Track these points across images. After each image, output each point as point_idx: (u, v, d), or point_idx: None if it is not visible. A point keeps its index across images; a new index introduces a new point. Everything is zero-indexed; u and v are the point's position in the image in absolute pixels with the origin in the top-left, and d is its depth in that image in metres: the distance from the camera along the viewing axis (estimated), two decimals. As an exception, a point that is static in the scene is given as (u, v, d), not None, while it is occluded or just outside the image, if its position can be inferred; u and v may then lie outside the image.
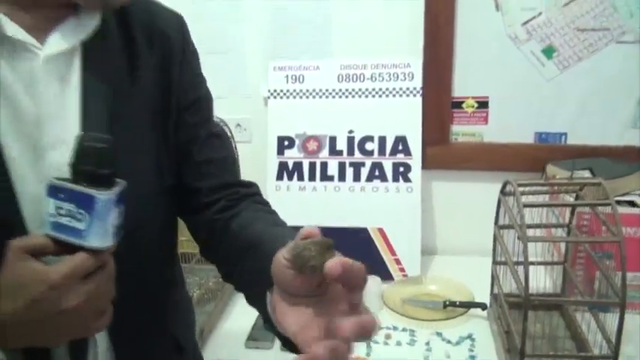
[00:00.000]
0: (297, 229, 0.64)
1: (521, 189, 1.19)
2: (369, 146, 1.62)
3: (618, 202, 1.38)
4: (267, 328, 0.68)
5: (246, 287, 0.76)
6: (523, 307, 1.08)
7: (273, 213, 0.86)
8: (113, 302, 0.67)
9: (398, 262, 1.57)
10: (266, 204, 0.89)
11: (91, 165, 0.62)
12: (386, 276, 1.54)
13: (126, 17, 0.77)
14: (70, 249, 0.61)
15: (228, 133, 1.62)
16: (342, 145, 1.63)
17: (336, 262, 0.53)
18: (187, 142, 0.84)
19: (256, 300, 0.69)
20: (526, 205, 1.13)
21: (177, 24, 0.85)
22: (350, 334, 0.54)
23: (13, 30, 0.67)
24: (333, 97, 1.65)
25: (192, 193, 0.85)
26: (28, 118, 0.68)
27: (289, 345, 0.63)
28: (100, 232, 0.62)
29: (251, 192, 0.88)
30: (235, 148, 1.65)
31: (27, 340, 0.64)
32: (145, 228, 0.76)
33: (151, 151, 0.79)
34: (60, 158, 0.66)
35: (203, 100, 0.87)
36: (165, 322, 0.87)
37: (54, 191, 0.62)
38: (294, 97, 1.65)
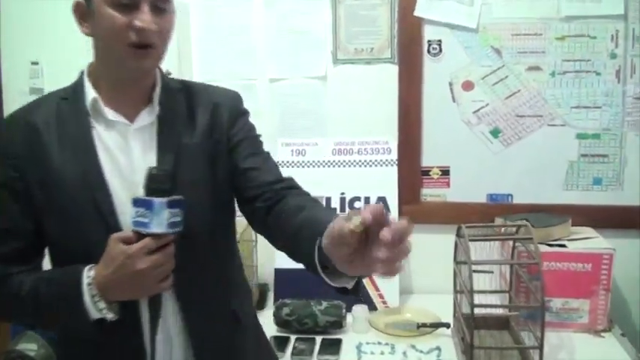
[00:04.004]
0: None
1: (472, 231, 1.58)
2: (357, 205, 1.99)
3: (551, 245, 1.75)
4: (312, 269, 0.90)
5: (301, 257, 0.97)
6: (479, 325, 1.43)
7: (311, 201, 1.10)
8: (181, 275, 1.04)
9: (381, 296, 1.91)
10: (304, 194, 1.13)
11: (151, 184, 0.98)
12: (371, 306, 1.87)
13: (190, 97, 1.16)
14: (143, 237, 0.98)
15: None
16: (335, 203, 2.00)
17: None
18: (236, 162, 1.15)
19: (311, 265, 0.90)
20: (471, 240, 1.52)
21: (229, 98, 1.20)
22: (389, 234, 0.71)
23: (110, 114, 1.07)
24: (329, 166, 2.03)
25: (243, 190, 1.14)
26: (126, 169, 1.07)
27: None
28: (157, 223, 0.97)
29: (287, 185, 1.13)
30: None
31: (118, 293, 1.01)
32: (204, 227, 1.10)
33: (205, 179, 1.12)
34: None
35: (246, 141, 1.17)
36: (226, 298, 1.18)
37: (134, 202, 0.98)
38: (298, 167, 2.03)
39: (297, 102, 2.08)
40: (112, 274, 0.99)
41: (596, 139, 1.96)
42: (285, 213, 1.05)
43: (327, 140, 2.05)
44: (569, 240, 1.81)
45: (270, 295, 2.00)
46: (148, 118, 1.11)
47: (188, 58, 2.13)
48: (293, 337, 1.75)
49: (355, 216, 0.75)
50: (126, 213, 1.02)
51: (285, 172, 1.94)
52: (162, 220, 0.97)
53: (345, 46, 2.02)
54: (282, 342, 1.72)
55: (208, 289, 1.14)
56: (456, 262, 1.70)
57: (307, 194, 1.14)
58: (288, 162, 2.05)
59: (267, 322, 1.78)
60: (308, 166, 2.05)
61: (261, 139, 1.23)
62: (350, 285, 0.90)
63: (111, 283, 1.00)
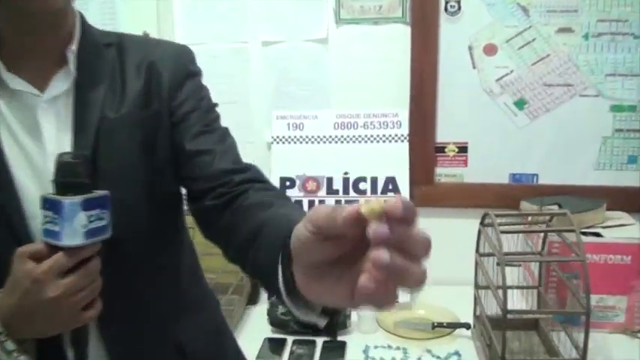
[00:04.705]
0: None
1: (498, 220, 1.36)
2: (362, 186, 1.78)
3: (584, 234, 1.53)
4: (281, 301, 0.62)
5: (258, 265, 0.69)
6: (502, 318, 1.23)
7: (278, 197, 0.82)
8: (106, 298, 0.78)
9: None
10: (271, 189, 0.86)
11: (62, 177, 0.73)
12: (379, 302, 1.66)
13: (122, 54, 0.88)
14: (56, 250, 0.73)
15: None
16: (338, 185, 1.79)
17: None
18: (181, 143, 0.88)
19: (269, 276, 0.62)
20: (503, 232, 1.30)
21: (172, 54, 0.91)
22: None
23: (13, 81, 0.80)
24: (330, 142, 1.81)
25: (190, 182, 0.88)
26: (36, 156, 0.81)
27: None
28: (70, 233, 0.71)
29: (249, 177, 0.86)
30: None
31: (28, 329, 0.75)
32: (139, 231, 0.85)
33: (139, 164, 0.86)
34: None
35: (195, 113, 0.90)
36: (165, 325, 0.92)
37: (42, 203, 0.73)
38: (295, 143, 1.81)
39: (294, 68, 1.84)
40: (18, 303, 0.73)
41: (633, 112, 1.75)
42: (243, 210, 0.79)
43: (328, 112, 1.83)
44: (603, 227, 1.60)
45: (264, 288, 1.79)
46: (62, 84, 0.83)
47: (169, 17, 1.88)
48: (290, 340, 1.53)
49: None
50: (38, 216, 0.76)
51: (280, 149, 1.81)
52: (76, 228, 0.72)
53: (350, 4, 1.78)
54: (277, 345, 1.50)
55: (143, 316, 0.89)
56: (479, 253, 1.48)
57: (275, 189, 0.88)
58: (283, 137, 1.82)
59: (260, 321, 1.59)
60: (306, 142, 1.82)
61: (217, 109, 0.95)
62: (321, 322, 0.61)
63: (18, 315, 0.74)
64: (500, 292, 1.24)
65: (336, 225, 0.46)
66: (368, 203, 0.45)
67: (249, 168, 0.89)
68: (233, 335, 1.11)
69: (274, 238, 0.63)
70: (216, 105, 0.94)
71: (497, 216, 1.34)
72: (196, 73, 0.94)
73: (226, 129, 0.93)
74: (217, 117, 0.93)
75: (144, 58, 0.88)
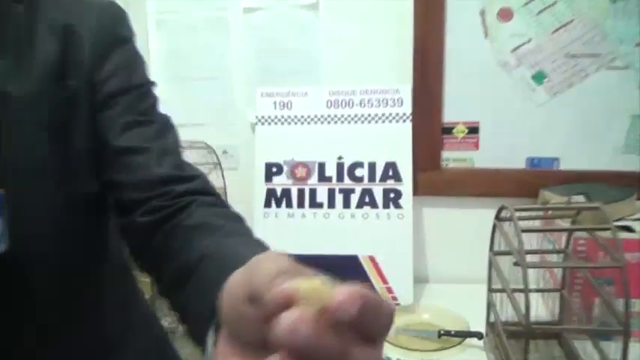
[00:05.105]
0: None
1: (517, 214, 1.16)
2: (358, 172, 1.59)
3: None
4: None
5: (188, 312, 0.55)
6: (523, 337, 1.04)
7: (229, 219, 0.65)
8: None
9: (390, 290, 1.51)
10: (220, 205, 0.68)
11: None
12: (378, 306, 1.48)
13: (33, 13, 0.69)
14: None
15: (215, 160, 1.59)
16: (331, 171, 1.59)
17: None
18: (104, 136, 0.70)
19: (202, 332, 0.47)
20: (524, 231, 1.09)
21: (97, 14, 0.72)
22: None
23: None
24: (322, 123, 1.61)
25: (116, 189, 0.70)
26: None
27: None
28: None
29: (194, 188, 0.68)
30: (222, 175, 1.62)
31: None
32: (51, 244, 0.67)
33: (49, 156, 0.67)
34: None
35: (125, 96, 0.71)
36: None
37: None
38: (282, 124, 1.61)
39: (281, 38, 1.65)
40: None
41: (666, 87, 1.57)
42: (182, 232, 0.61)
43: (319, 89, 1.64)
44: (634, 220, 1.40)
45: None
46: None
47: (139, -19, 1.67)
48: (275, 351, 1.34)
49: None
50: None
51: (265, 131, 1.60)
52: None
53: (344, -37, 1.59)
54: None
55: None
56: (494, 252, 1.29)
57: (226, 206, 0.69)
58: (269, 118, 1.62)
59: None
60: (295, 123, 1.63)
61: (154, 91, 0.75)
62: None
63: None
64: (518, 297, 1.06)
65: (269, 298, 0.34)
66: (312, 284, 0.32)
67: (197, 176, 0.70)
68: None
69: (211, 283, 0.45)
70: (153, 84, 0.74)
71: (516, 210, 1.14)
72: (128, 40, 0.74)
73: (167, 119, 0.73)
74: (155, 102, 0.73)
75: (61, 17, 0.68)
